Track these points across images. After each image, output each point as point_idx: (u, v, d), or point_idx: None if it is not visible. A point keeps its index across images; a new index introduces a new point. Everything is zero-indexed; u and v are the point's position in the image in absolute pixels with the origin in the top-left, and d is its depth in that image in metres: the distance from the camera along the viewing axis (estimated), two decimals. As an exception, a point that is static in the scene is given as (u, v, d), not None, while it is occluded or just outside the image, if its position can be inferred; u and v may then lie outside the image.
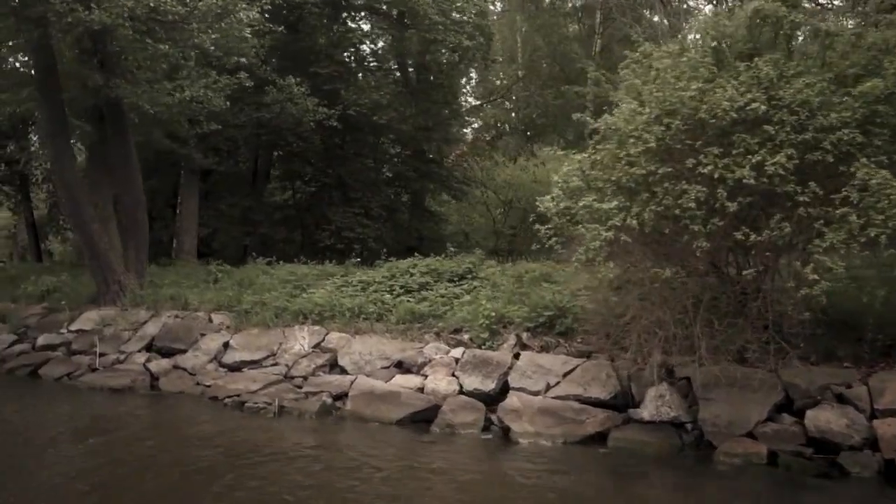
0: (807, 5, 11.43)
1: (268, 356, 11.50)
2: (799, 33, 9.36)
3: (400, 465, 7.89)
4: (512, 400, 9.23)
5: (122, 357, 12.41)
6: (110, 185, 16.54)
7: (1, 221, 55.33)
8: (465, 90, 30.64)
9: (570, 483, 7.36)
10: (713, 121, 7.79)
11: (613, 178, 8.25)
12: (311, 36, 21.91)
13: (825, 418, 7.77)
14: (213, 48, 12.98)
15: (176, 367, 11.88)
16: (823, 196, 7.50)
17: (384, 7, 22.28)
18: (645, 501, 7.28)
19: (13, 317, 14.37)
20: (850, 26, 10.27)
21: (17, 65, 19.69)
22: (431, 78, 24.60)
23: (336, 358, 11.04)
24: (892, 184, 7.13)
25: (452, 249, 25.16)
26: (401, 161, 25.51)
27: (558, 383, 9.41)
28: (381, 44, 22.97)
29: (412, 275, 12.77)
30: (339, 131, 22.27)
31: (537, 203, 9.44)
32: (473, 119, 32.00)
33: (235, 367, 11.50)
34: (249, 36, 13.56)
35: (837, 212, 7.34)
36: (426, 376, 10.10)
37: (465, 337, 10.82)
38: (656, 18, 28.38)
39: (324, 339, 11.46)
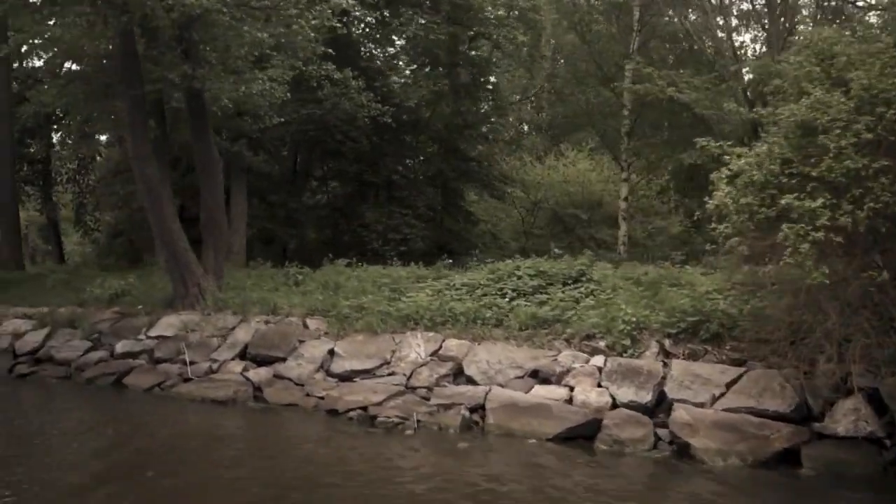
0: None
1: (381, 364, 10.56)
2: None
3: (610, 492, 6.94)
4: (680, 413, 8.35)
5: (214, 366, 11.42)
6: (170, 182, 15.59)
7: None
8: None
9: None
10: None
11: (815, 174, 7.40)
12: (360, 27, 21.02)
13: None
14: (301, 37, 11.94)
15: (278, 376, 10.90)
16: None
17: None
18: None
19: (83, 322, 13.31)
20: None
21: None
22: (476, 74, 23.71)
23: (460, 367, 10.13)
24: None
25: (478, 250, 24.49)
26: (442, 159, 24.59)
27: (723, 394, 8.55)
28: (431, 37, 21.95)
29: (520, 277, 11.88)
30: (383, 128, 21.33)
31: (706, 201, 8.56)
32: (511, 117, 31.10)
33: (346, 377, 10.55)
34: (337, 24, 12.59)
35: None
36: (571, 387, 9.20)
37: (601, 344, 9.93)
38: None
39: (441, 347, 10.53)
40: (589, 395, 9.01)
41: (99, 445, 8.56)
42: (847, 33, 8.52)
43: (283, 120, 16.52)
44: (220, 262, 13.50)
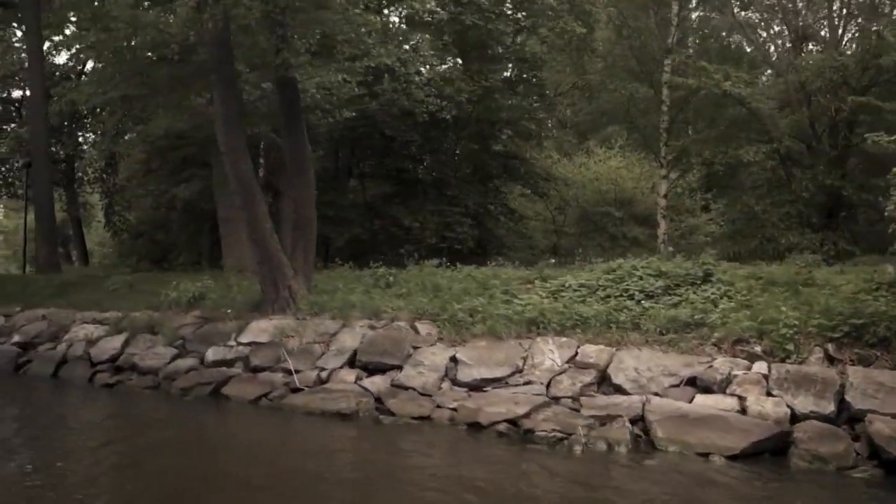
0: None
1: (513, 372, 9.67)
2: None
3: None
4: (879, 426, 7.55)
5: (323, 374, 10.49)
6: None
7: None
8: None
9: None
10: None
11: None
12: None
13: None
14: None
15: (397, 385, 9.99)
16: None
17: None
18: None
19: (164, 327, 12.34)
20: None
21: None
22: (525, 69, 22.85)
23: (603, 374, 9.28)
24: None
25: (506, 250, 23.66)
26: (490, 156, 23.70)
27: (921, 405, 7.79)
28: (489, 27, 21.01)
29: (641, 278, 11.06)
30: (431, 124, 20.41)
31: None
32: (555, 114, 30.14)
33: (475, 387, 9.66)
34: (440, 10, 11.69)
35: None
36: (739, 397, 8.38)
37: (757, 349, 9.13)
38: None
39: (577, 353, 9.68)
40: (764, 405, 8.18)
41: (235, 467, 7.59)
42: None
43: (353, 114, 15.57)
44: (309, 264, 12.57)
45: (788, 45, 23.27)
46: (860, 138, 18.11)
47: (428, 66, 19.35)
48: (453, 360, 10.10)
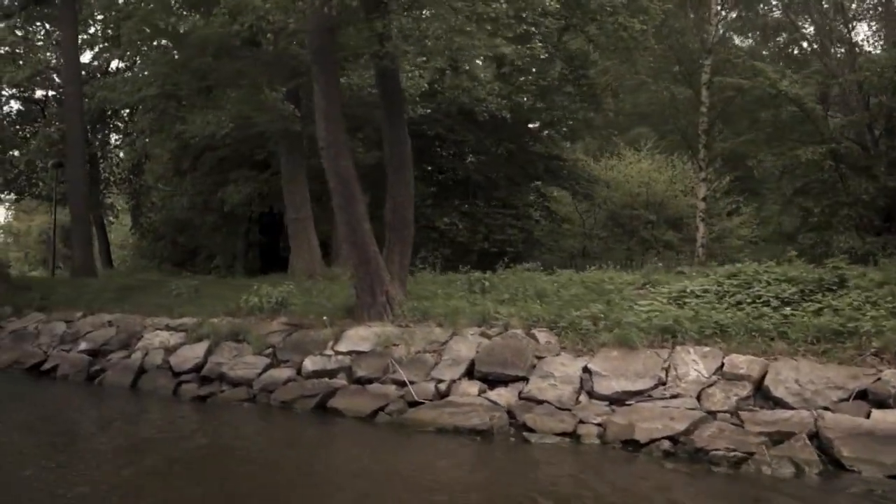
0: None
1: (656, 385, 8.92)
2: None
3: None
4: None
5: (441, 386, 9.69)
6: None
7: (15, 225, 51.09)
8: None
9: None
10: None
11: None
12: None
13: None
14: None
15: (527, 398, 9.20)
16: None
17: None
18: None
19: (251, 335, 11.48)
20: None
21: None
22: (575, 67, 22.12)
23: (758, 386, 8.56)
24: None
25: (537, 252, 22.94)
26: (537, 157, 22.99)
27: None
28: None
29: (769, 283, 10.36)
30: (481, 123, 19.67)
31: None
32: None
33: (616, 400, 8.88)
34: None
35: None
36: (925, 412, 7.70)
37: (924, 360, 8.45)
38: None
39: (723, 364, 8.95)
40: (958, 422, 7.50)
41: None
42: None
43: (428, 111, 14.77)
44: (405, 269, 11.75)
45: (840, 47, 22.64)
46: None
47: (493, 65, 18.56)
48: (586, 370, 9.33)
